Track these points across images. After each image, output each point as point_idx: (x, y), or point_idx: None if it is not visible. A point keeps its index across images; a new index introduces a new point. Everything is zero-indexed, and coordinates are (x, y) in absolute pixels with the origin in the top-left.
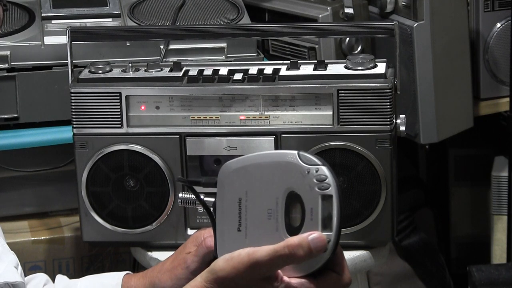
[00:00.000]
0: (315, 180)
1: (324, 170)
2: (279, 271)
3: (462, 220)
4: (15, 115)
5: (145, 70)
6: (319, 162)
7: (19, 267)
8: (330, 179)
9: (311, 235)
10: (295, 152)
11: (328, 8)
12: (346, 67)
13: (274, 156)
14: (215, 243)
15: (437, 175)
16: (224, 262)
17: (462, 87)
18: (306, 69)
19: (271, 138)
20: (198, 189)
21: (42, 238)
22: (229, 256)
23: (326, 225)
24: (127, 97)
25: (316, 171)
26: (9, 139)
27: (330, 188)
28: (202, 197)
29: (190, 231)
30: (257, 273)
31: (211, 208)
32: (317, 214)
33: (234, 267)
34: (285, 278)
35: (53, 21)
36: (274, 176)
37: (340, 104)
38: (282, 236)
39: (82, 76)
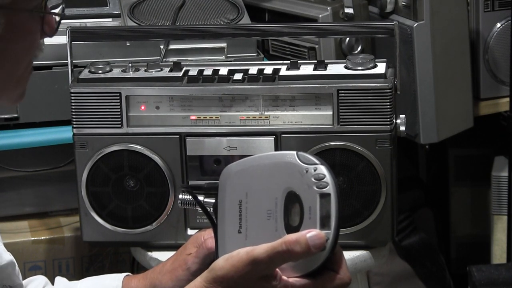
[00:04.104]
0: (313, 179)
1: (322, 169)
2: (278, 270)
3: (462, 220)
4: (15, 115)
5: (145, 70)
6: (317, 161)
7: (17, 269)
8: (328, 178)
9: (310, 233)
10: (294, 152)
11: (328, 8)
12: (346, 67)
13: (274, 157)
14: (216, 246)
15: (437, 175)
16: (223, 261)
17: (462, 87)
18: (306, 69)
19: (271, 138)
20: None
21: (42, 238)
22: (228, 255)
23: (324, 224)
24: (127, 97)
25: (314, 170)
26: (9, 139)
27: (328, 187)
28: (202, 198)
29: (190, 231)
30: (256, 270)
31: (211, 209)
32: (315, 212)
33: (233, 265)
34: (284, 277)
35: None
36: (273, 176)
37: (340, 104)
38: (281, 236)
39: (82, 76)
